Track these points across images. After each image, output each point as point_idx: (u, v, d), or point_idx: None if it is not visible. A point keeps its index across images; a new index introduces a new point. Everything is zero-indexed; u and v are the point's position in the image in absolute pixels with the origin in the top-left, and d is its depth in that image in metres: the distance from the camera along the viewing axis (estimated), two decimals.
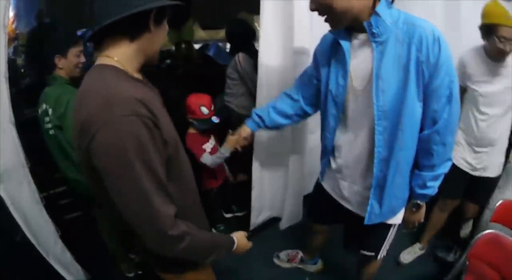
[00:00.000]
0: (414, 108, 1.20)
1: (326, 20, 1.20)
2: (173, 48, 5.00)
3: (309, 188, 2.83)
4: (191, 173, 1.12)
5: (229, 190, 2.71)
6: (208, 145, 2.29)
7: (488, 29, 1.69)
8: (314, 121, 2.51)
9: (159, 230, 0.87)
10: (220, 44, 5.33)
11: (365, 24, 1.16)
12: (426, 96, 1.19)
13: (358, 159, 1.39)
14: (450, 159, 1.33)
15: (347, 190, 1.50)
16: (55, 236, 1.74)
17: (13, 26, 3.15)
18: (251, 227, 2.55)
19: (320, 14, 1.19)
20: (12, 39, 3.13)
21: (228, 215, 2.92)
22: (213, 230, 2.71)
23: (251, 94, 2.59)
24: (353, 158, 1.41)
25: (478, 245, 1.71)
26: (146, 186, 0.82)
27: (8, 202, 1.46)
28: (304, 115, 1.66)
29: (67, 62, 1.74)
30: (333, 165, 1.51)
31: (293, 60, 2.10)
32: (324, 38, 1.43)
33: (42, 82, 1.80)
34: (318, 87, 1.49)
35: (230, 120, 2.66)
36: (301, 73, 1.61)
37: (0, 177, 1.44)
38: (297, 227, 2.67)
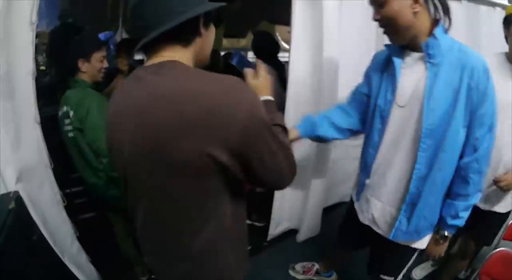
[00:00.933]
0: (459, 132, 1.25)
1: (385, 32, 1.28)
2: None
3: (329, 201, 2.83)
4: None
5: (254, 196, 2.70)
6: None
7: (508, 21, 1.66)
8: None
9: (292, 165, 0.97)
10: (242, 52, 5.34)
11: (423, 44, 1.24)
12: (471, 123, 1.24)
13: (395, 176, 1.41)
14: (481, 190, 1.35)
15: (378, 211, 1.51)
16: (72, 236, 1.74)
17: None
18: (268, 238, 2.54)
19: (382, 26, 1.27)
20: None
21: (247, 222, 2.88)
22: None
23: None
24: (390, 175, 1.42)
25: (490, 262, 1.70)
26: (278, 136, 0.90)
27: (27, 202, 1.45)
28: (356, 131, 1.65)
29: (91, 67, 1.77)
30: (369, 182, 1.52)
31: (322, 73, 2.14)
32: (376, 56, 1.52)
33: (62, 82, 1.81)
34: (369, 104, 1.52)
35: None
36: (353, 90, 1.63)
37: (21, 176, 1.43)
38: (314, 239, 2.65)
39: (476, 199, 1.35)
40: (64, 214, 1.70)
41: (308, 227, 2.57)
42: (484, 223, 1.83)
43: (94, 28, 2.88)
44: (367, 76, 1.54)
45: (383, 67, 1.43)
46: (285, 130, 1.10)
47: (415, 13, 1.21)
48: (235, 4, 4.35)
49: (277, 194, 2.38)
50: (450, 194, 1.37)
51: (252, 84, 1.16)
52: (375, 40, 2.51)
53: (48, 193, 1.62)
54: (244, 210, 1.06)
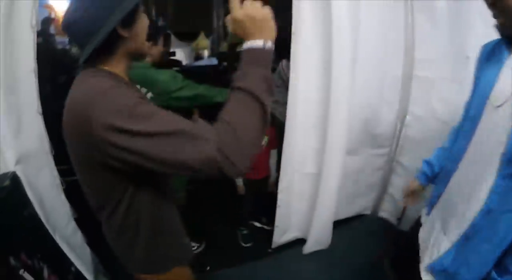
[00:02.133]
0: None
1: (500, 23, 1.02)
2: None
3: (346, 213, 2.66)
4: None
5: (263, 198, 2.71)
6: None
7: None
8: (354, 140, 2.33)
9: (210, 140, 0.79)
10: None
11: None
12: None
13: (461, 196, 1.13)
14: None
15: (434, 236, 1.25)
16: (68, 218, 1.95)
17: None
18: (273, 246, 2.51)
19: (497, 16, 1.01)
20: None
21: (256, 224, 2.88)
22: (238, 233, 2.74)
23: None
24: (457, 192, 1.16)
25: None
26: (167, 119, 0.82)
27: (24, 182, 1.68)
28: None
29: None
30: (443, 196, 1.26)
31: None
32: (481, 48, 1.24)
33: None
34: None
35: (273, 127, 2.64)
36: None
37: (20, 159, 1.67)
38: (322, 253, 2.53)
39: None
40: (62, 196, 1.92)
41: (316, 239, 2.49)
42: None
43: None
44: (474, 77, 1.26)
45: (486, 59, 1.16)
46: (262, 107, 0.84)
47: None
48: None
49: (281, 200, 2.35)
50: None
51: (237, 17, 0.89)
52: (403, 42, 2.31)
53: (47, 176, 1.84)
54: (163, 201, 1.11)
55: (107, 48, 0.97)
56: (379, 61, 2.33)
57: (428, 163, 1.52)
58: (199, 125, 0.82)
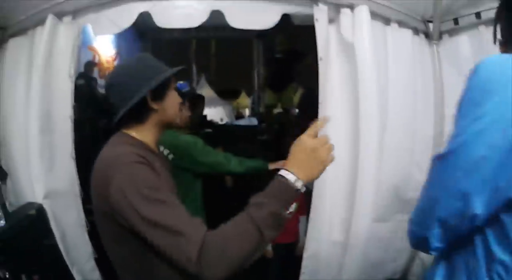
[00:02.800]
0: None
1: None
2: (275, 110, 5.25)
3: (372, 278, 2.45)
4: None
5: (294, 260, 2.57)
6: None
7: None
8: (383, 206, 2.25)
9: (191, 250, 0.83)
10: None
11: None
12: None
13: None
14: None
15: None
16: (89, 256, 2.03)
17: (115, 63, 3.78)
18: None
19: None
20: None
21: None
22: None
23: None
24: None
25: None
26: (167, 209, 0.90)
27: (50, 216, 1.85)
28: None
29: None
30: None
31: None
32: None
33: None
34: None
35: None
36: None
37: (48, 194, 1.85)
38: None
39: None
40: (86, 236, 2.02)
41: None
42: None
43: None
44: None
45: None
46: (261, 240, 0.85)
47: None
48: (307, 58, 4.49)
49: (305, 267, 2.23)
50: None
51: (302, 144, 0.91)
52: (433, 99, 2.26)
53: (74, 216, 1.98)
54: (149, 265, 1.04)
55: (138, 116, 1.11)
56: (409, 120, 2.24)
57: None
58: (195, 230, 0.86)
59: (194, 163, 1.98)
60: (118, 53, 3.98)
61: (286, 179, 0.88)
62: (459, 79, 2.03)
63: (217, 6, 1.94)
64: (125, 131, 1.12)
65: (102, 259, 2.05)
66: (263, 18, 2.01)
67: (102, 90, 3.43)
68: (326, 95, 2.05)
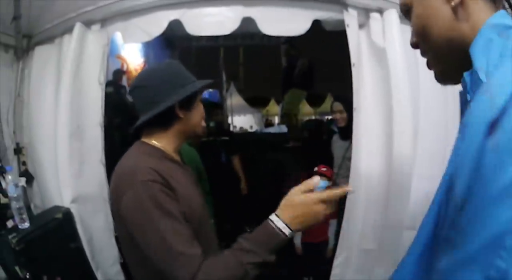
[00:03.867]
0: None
1: (428, 66, 0.78)
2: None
3: None
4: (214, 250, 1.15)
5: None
6: None
7: None
8: (415, 214, 2.17)
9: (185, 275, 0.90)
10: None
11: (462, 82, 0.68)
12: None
13: None
14: None
15: None
16: (114, 259, 2.04)
17: None
18: None
19: (422, 54, 0.78)
20: None
21: None
22: None
23: None
24: None
25: None
26: (166, 233, 0.92)
27: (78, 220, 1.87)
28: None
29: None
30: None
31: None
32: None
33: None
34: None
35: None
36: None
37: (76, 199, 1.88)
38: None
39: None
40: (113, 240, 2.03)
41: None
42: None
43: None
44: None
45: None
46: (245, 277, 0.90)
47: (455, 9, 0.66)
48: (304, 62, 4.43)
49: (334, 276, 2.20)
50: None
51: (291, 197, 0.94)
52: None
53: (101, 220, 2.00)
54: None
55: (163, 123, 1.11)
56: (440, 125, 2.18)
57: None
58: (190, 263, 0.90)
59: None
60: (146, 62, 4.02)
61: (274, 227, 0.92)
62: None
63: (248, 13, 1.93)
64: (145, 139, 1.12)
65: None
66: (295, 25, 1.99)
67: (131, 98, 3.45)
68: (359, 101, 2.01)
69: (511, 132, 0.46)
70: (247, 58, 5.31)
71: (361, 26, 2.02)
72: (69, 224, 1.83)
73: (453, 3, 0.66)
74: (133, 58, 3.84)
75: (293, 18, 1.98)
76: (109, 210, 2.00)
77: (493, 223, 0.46)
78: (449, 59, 0.71)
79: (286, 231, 0.91)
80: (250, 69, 5.78)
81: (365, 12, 1.98)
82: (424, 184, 2.16)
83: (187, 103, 1.10)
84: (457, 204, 0.53)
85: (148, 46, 3.94)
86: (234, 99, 7.77)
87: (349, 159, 2.56)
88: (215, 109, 2.87)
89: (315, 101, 6.53)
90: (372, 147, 2.07)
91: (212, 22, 1.98)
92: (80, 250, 1.86)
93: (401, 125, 1.94)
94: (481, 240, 0.48)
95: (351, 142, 2.57)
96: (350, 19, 1.95)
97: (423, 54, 0.78)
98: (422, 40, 0.75)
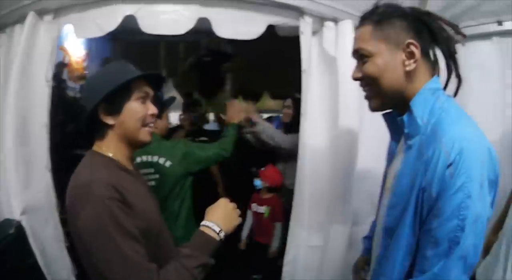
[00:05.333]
0: (408, 243, 0.95)
1: (366, 97, 1.07)
2: None
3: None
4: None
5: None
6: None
7: None
8: (359, 211, 2.35)
9: None
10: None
11: (399, 120, 0.99)
12: (420, 236, 0.92)
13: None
14: None
15: None
16: (68, 272, 1.92)
17: (84, 64, 3.57)
18: None
19: (363, 86, 1.06)
20: (81, 77, 3.46)
21: None
22: None
23: None
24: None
25: None
26: (126, 251, 0.92)
27: (29, 232, 1.74)
28: None
29: (162, 123, 2.12)
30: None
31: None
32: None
33: None
34: None
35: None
36: None
37: (26, 210, 1.74)
38: None
39: None
40: (64, 252, 1.90)
41: None
42: None
43: None
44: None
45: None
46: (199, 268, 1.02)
47: (407, 72, 0.95)
48: (237, 63, 4.62)
49: (286, 272, 2.28)
50: None
51: (221, 204, 1.15)
52: None
53: (52, 231, 1.86)
54: None
55: (95, 132, 1.08)
56: (382, 131, 2.36)
57: (366, 238, 1.57)
58: (151, 270, 0.94)
59: (197, 161, 2.06)
60: (88, 54, 3.75)
61: (210, 232, 1.06)
62: None
63: (204, 13, 1.89)
64: (95, 148, 1.09)
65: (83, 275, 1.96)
66: (249, 28, 2.00)
67: (71, 93, 3.26)
68: (307, 107, 2.10)
69: (457, 170, 0.83)
70: (187, 54, 5.16)
71: (313, 33, 2.08)
72: (23, 239, 1.71)
73: (407, 69, 0.95)
74: (75, 50, 3.55)
75: (248, 21, 1.98)
76: (58, 220, 1.88)
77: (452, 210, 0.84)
78: (388, 101, 1.01)
79: (217, 230, 1.06)
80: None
81: (320, 20, 2.06)
82: (366, 184, 2.34)
83: (113, 108, 1.04)
84: (432, 199, 0.86)
85: (91, 39, 3.67)
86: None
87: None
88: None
89: (252, 98, 6.57)
90: (318, 150, 2.19)
91: (167, 20, 1.90)
92: (36, 266, 1.74)
93: (347, 132, 2.08)
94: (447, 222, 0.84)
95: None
96: (305, 26, 2.01)
97: (364, 88, 1.05)
98: (370, 83, 1.00)
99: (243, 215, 1.20)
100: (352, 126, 2.10)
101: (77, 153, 2.26)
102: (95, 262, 0.93)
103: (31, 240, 1.72)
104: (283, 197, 2.73)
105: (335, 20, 2.06)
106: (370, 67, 0.97)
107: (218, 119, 5.17)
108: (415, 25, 0.95)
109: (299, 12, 2.00)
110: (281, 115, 5.02)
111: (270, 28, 2.06)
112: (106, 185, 0.94)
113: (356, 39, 1.04)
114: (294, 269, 2.29)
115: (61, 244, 1.89)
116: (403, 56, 0.94)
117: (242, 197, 2.75)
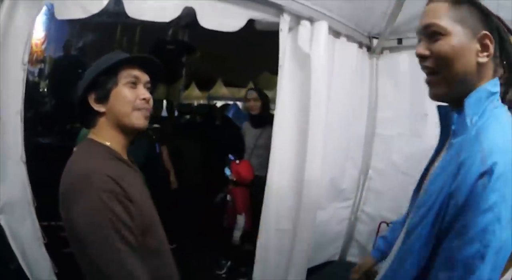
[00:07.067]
0: (421, 251, 0.85)
1: (428, 81, 0.91)
2: (195, 102, 5.40)
3: (316, 260, 2.72)
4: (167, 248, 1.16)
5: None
6: None
7: None
8: (323, 196, 2.56)
9: None
10: (240, 103, 5.54)
11: (451, 114, 0.90)
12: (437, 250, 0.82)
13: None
14: None
15: None
16: (49, 272, 1.80)
17: (43, 47, 3.28)
18: None
19: (427, 68, 0.90)
20: (39, 60, 3.18)
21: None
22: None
23: None
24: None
25: None
26: (120, 249, 0.90)
27: (7, 233, 1.58)
28: None
29: None
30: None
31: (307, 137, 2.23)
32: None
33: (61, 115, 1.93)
34: None
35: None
36: None
37: (3, 208, 1.58)
38: None
39: None
40: (43, 250, 1.77)
41: None
42: None
43: None
44: None
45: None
46: None
47: (479, 64, 0.84)
48: (195, 54, 4.73)
49: (259, 255, 2.37)
50: None
51: None
52: (367, 104, 2.56)
53: (29, 228, 1.71)
54: None
55: (87, 121, 1.07)
56: (346, 122, 2.56)
57: (383, 237, 1.45)
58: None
59: None
60: (47, 36, 3.41)
61: None
62: (394, 89, 2.40)
63: (189, 3, 1.86)
64: (91, 136, 1.07)
65: (63, 274, 1.85)
66: (231, 21, 2.02)
67: (29, 77, 2.92)
68: (279, 100, 2.19)
69: (490, 183, 0.72)
70: (143, 37, 4.93)
71: (289, 29, 2.17)
72: (4, 242, 1.55)
73: (480, 60, 0.84)
74: (35, 32, 3.20)
75: (230, 14, 2.00)
76: (34, 216, 1.73)
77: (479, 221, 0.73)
78: (454, 89, 0.87)
79: None
80: (144, 50, 5.39)
81: (296, 18, 2.15)
82: (330, 171, 2.51)
83: (102, 94, 1.03)
84: (458, 208, 0.76)
85: (50, 20, 3.33)
86: None
87: (261, 146, 2.76)
88: None
89: (205, 85, 6.52)
90: (289, 140, 2.31)
91: (153, 6, 1.83)
92: (20, 270, 1.60)
93: (316, 125, 2.22)
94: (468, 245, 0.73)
95: (262, 130, 2.77)
96: (284, 23, 2.09)
97: (429, 70, 0.89)
98: (440, 64, 0.86)
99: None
100: (321, 120, 2.23)
101: (39, 141, 2.09)
102: (89, 255, 0.91)
103: (11, 242, 1.57)
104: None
105: (311, 20, 2.16)
106: (445, 46, 0.84)
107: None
108: (488, 21, 0.86)
109: (279, 9, 2.07)
110: (237, 103, 5.01)
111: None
112: (106, 178, 0.92)
113: (428, 14, 0.89)
114: (266, 252, 2.39)
115: (39, 242, 1.75)
116: (477, 46, 0.84)
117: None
